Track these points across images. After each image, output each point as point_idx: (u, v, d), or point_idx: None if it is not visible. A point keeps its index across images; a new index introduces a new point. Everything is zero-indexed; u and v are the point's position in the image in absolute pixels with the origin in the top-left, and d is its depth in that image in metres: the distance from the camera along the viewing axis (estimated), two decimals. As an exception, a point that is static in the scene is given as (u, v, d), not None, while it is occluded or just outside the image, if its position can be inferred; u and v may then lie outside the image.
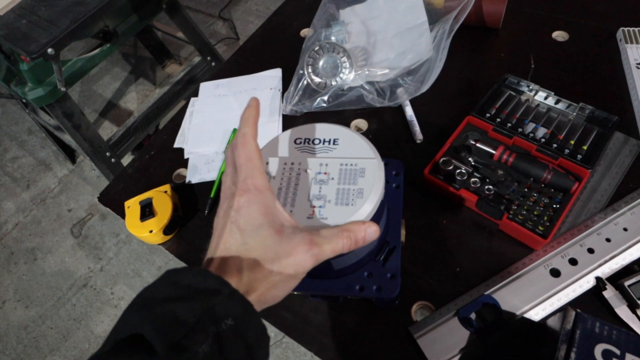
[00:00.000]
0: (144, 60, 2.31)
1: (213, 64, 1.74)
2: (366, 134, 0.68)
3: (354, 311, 0.53)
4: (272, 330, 0.41)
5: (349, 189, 0.41)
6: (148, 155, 0.75)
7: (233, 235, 0.33)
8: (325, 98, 0.69)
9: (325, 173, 0.43)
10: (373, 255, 0.48)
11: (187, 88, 1.67)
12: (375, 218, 0.42)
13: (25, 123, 2.21)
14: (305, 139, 0.46)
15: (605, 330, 0.39)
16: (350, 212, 0.39)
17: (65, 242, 1.81)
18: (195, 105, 0.79)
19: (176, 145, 0.75)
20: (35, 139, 2.15)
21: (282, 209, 0.36)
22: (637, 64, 0.65)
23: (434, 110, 0.68)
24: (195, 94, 0.81)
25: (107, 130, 2.08)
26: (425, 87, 0.62)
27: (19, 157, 2.11)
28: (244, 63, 0.83)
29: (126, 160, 1.68)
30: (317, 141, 0.45)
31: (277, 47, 0.84)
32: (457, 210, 0.58)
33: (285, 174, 0.43)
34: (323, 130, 0.46)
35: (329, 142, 0.45)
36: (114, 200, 0.71)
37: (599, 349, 0.37)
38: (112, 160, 1.53)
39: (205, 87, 0.82)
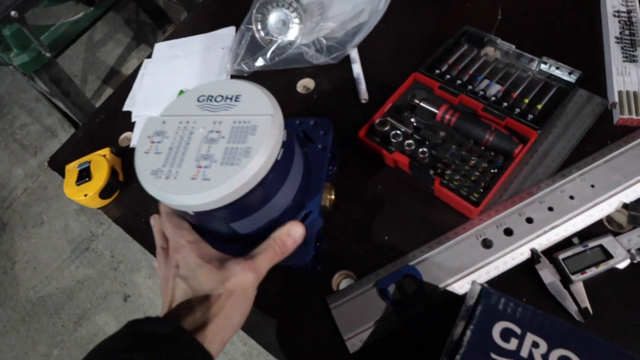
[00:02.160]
0: (145, 26, 2.28)
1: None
2: (312, 93, 0.63)
3: (275, 279, 0.50)
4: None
5: (237, 148, 0.37)
6: (98, 119, 0.73)
7: (179, 285, 0.36)
8: (268, 56, 0.65)
9: (217, 131, 0.39)
10: (289, 219, 0.45)
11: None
12: (274, 180, 0.39)
13: (32, 91, 2.24)
14: (208, 97, 0.42)
15: (510, 308, 0.35)
16: (233, 171, 0.36)
17: (69, 207, 1.86)
18: (147, 67, 0.76)
19: (125, 108, 0.73)
20: (42, 106, 2.19)
21: (215, 251, 0.39)
22: (615, 11, 0.57)
23: (385, 67, 0.62)
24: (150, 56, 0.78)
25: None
26: (358, 39, 0.57)
27: (27, 124, 2.16)
28: (198, 22, 0.79)
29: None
30: (219, 98, 0.42)
31: (232, 3, 0.79)
32: (393, 175, 0.54)
33: (178, 133, 0.40)
34: (227, 86, 0.43)
35: (231, 99, 0.41)
36: (62, 164, 0.70)
37: (498, 327, 0.34)
38: (105, 126, 1.54)
39: (159, 47, 0.78)
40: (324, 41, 0.63)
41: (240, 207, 0.38)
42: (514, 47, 0.56)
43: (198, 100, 0.42)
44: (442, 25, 0.65)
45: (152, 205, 0.59)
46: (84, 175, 0.62)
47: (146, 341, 0.30)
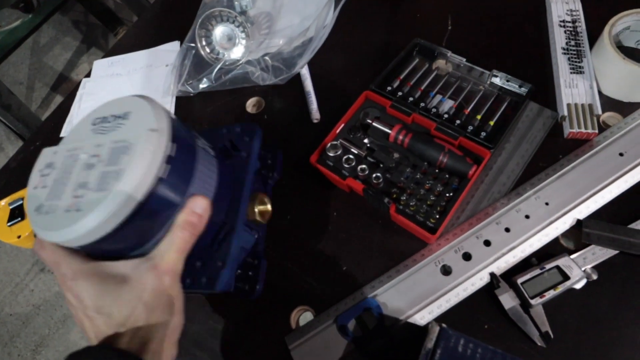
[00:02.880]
0: (95, 28, 2.17)
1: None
2: (262, 113, 0.60)
3: (234, 318, 0.48)
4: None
5: (110, 171, 0.33)
6: (33, 147, 0.68)
7: (95, 321, 0.32)
8: (213, 76, 0.61)
9: (97, 155, 0.34)
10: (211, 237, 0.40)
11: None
12: (164, 199, 0.34)
13: (-29, 103, 2.09)
14: (102, 118, 0.37)
15: (470, 349, 0.34)
16: (102, 198, 0.31)
17: (20, 227, 1.75)
18: (85, 87, 0.71)
19: (63, 134, 0.67)
20: (-17, 119, 2.04)
21: (110, 263, 0.33)
22: (560, 21, 0.57)
23: (336, 84, 0.60)
24: (88, 74, 0.73)
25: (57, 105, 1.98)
26: (304, 60, 0.54)
27: (-31, 139, 2.01)
28: (140, 36, 0.74)
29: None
30: (111, 118, 0.37)
31: (177, 15, 0.75)
32: (348, 199, 0.52)
33: (65, 162, 0.35)
34: (118, 105, 0.37)
35: (121, 117, 0.36)
36: (-6, 199, 0.64)
37: (458, 371, 0.33)
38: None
39: (98, 65, 0.73)
40: (270, 61, 0.60)
41: (127, 235, 0.33)
42: (464, 60, 0.55)
43: (93, 124, 0.38)
44: (393, 37, 0.63)
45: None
46: (17, 213, 0.56)
47: None
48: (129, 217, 0.31)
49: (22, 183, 0.64)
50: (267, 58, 0.60)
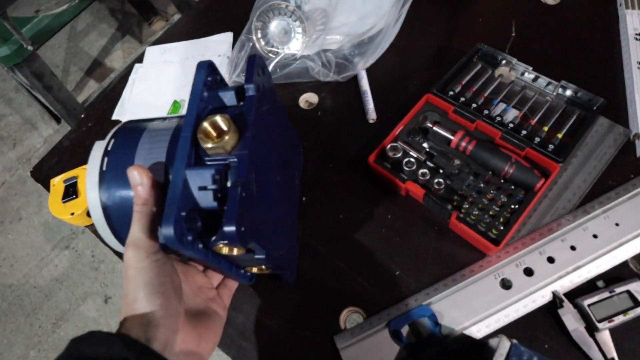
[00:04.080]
0: (130, 17, 2.20)
1: (196, 20, 1.63)
2: (315, 110, 0.60)
3: (282, 312, 0.47)
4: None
5: None
6: (85, 127, 0.68)
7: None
8: (270, 68, 0.61)
9: None
10: None
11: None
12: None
13: (12, 80, 2.14)
14: None
15: (541, 368, 0.32)
16: None
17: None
18: (138, 73, 0.71)
19: (115, 116, 0.68)
20: (21, 96, 2.09)
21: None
22: (637, 34, 0.55)
23: (394, 85, 0.59)
24: (141, 60, 0.73)
25: (91, 89, 2.01)
26: (371, 60, 0.53)
27: (6, 115, 2.06)
28: (194, 25, 0.74)
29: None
30: None
31: (231, 6, 0.75)
32: (404, 203, 0.51)
33: None
34: None
35: None
36: (46, 176, 0.65)
37: (529, 390, 0.31)
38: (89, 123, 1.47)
39: (151, 52, 0.73)
40: (332, 57, 0.59)
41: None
42: (531, 68, 0.54)
43: None
44: (452, 41, 0.61)
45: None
46: (71, 191, 0.57)
47: None
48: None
49: (74, 162, 0.65)
50: (329, 54, 0.59)
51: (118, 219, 0.38)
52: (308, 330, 0.46)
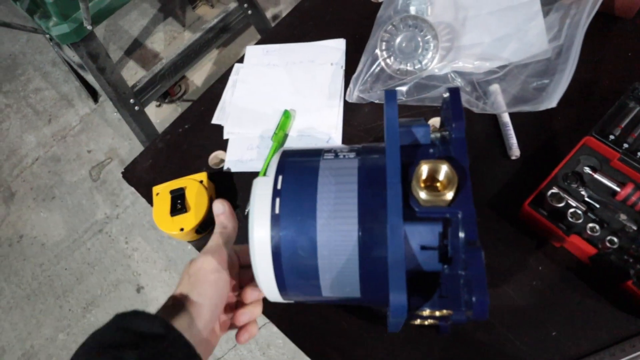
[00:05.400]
0: (173, -1, 2.14)
1: (250, 12, 1.57)
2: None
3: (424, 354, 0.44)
4: None
5: None
6: (181, 129, 0.64)
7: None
8: (404, 89, 0.56)
9: None
10: None
11: (220, 37, 1.53)
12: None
13: (49, 53, 2.09)
14: None
15: None
16: None
17: (84, 184, 1.76)
18: (239, 73, 0.67)
19: (215, 120, 0.64)
20: (58, 71, 2.05)
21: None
22: None
23: (536, 120, 0.54)
24: (240, 60, 0.69)
25: (131, 71, 1.97)
26: (552, 102, 0.47)
27: (42, 89, 2.02)
28: (299, 27, 0.70)
29: (150, 108, 1.57)
30: None
31: (341, 11, 0.70)
32: (557, 255, 0.47)
33: None
34: None
35: None
36: (140, 177, 0.62)
37: None
38: (136, 107, 1.43)
39: (252, 52, 0.69)
40: (492, 89, 0.53)
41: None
42: (698, 116, 0.49)
43: None
44: (599, 77, 0.57)
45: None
46: (179, 204, 0.53)
47: (135, 339, 0.31)
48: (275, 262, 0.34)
49: (170, 167, 0.61)
50: (486, 86, 0.54)
51: (290, 271, 0.34)
52: (454, 389, 0.42)
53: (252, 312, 0.40)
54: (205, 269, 0.37)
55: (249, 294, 0.40)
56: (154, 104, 1.82)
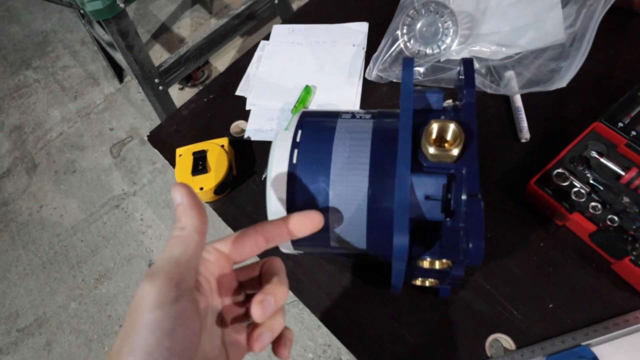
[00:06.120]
0: (203, -15, 2.19)
1: (276, 1, 1.61)
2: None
3: (421, 329, 0.46)
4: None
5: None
6: (206, 99, 0.67)
7: None
8: (422, 70, 0.58)
9: None
10: None
11: (246, 24, 1.56)
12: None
13: (79, 33, 2.16)
14: None
15: None
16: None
17: (104, 160, 1.81)
18: (264, 50, 0.70)
19: (238, 92, 0.67)
20: (87, 50, 2.11)
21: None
22: None
23: (548, 106, 0.56)
24: (266, 37, 0.72)
25: (157, 54, 2.02)
26: (563, 82, 0.50)
27: (70, 66, 2.08)
28: (324, 9, 0.72)
29: (172, 90, 1.61)
30: None
31: (366, -5, 0.72)
32: (559, 233, 0.48)
33: None
34: None
35: None
36: (164, 142, 0.65)
37: None
38: (160, 87, 1.47)
39: (278, 30, 0.72)
40: (507, 75, 0.56)
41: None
42: None
43: None
44: (613, 69, 0.58)
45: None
46: (200, 165, 0.56)
47: None
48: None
49: (193, 132, 0.64)
50: (500, 70, 0.56)
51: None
52: (451, 351, 0.44)
53: (272, 328, 0.29)
54: (143, 304, 0.24)
55: (260, 308, 0.27)
56: (177, 86, 1.86)
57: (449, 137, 0.33)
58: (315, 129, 0.38)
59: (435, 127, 0.33)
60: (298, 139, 0.37)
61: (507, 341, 0.44)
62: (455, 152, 0.32)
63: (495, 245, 0.48)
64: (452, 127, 0.33)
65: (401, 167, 0.32)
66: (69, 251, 1.66)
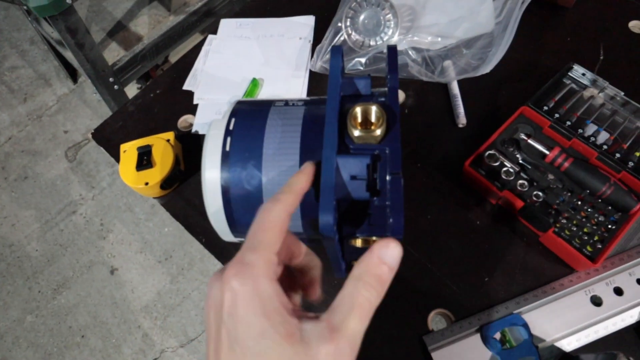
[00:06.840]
0: (159, -18, 2.14)
1: (234, -3, 1.60)
2: (402, 106, 0.60)
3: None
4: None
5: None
6: (153, 94, 0.67)
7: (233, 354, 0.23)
8: (363, 60, 0.60)
9: None
10: None
11: (204, 20, 1.55)
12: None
13: (27, 31, 2.07)
14: None
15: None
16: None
17: (59, 164, 1.75)
18: (212, 44, 0.70)
19: (186, 87, 0.67)
20: (37, 50, 2.03)
21: (279, 289, 0.25)
22: None
23: (482, 93, 0.59)
24: (214, 31, 0.72)
25: (113, 53, 1.96)
26: (487, 68, 0.53)
27: (18, 67, 2.00)
28: (272, 3, 0.73)
29: (130, 89, 1.58)
30: None
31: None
32: (493, 211, 0.51)
33: None
34: None
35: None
36: (109, 139, 0.64)
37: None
38: (115, 87, 1.43)
39: (225, 24, 0.72)
40: (442, 61, 0.58)
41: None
42: (622, 93, 0.55)
43: None
44: (540, 57, 0.62)
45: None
46: (145, 160, 0.56)
47: None
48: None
49: (140, 128, 0.64)
50: (433, 56, 0.59)
51: (238, 205, 0.37)
52: (395, 329, 0.46)
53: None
54: (249, 329, 0.23)
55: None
56: (135, 85, 1.82)
57: (372, 119, 0.35)
58: (248, 116, 0.39)
59: (358, 110, 0.34)
60: (231, 127, 0.38)
61: (447, 315, 0.46)
62: (378, 132, 0.34)
63: (436, 225, 0.51)
64: (374, 108, 0.34)
65: (327, 149, 0.33)
66: (23, 262, 1.59)
